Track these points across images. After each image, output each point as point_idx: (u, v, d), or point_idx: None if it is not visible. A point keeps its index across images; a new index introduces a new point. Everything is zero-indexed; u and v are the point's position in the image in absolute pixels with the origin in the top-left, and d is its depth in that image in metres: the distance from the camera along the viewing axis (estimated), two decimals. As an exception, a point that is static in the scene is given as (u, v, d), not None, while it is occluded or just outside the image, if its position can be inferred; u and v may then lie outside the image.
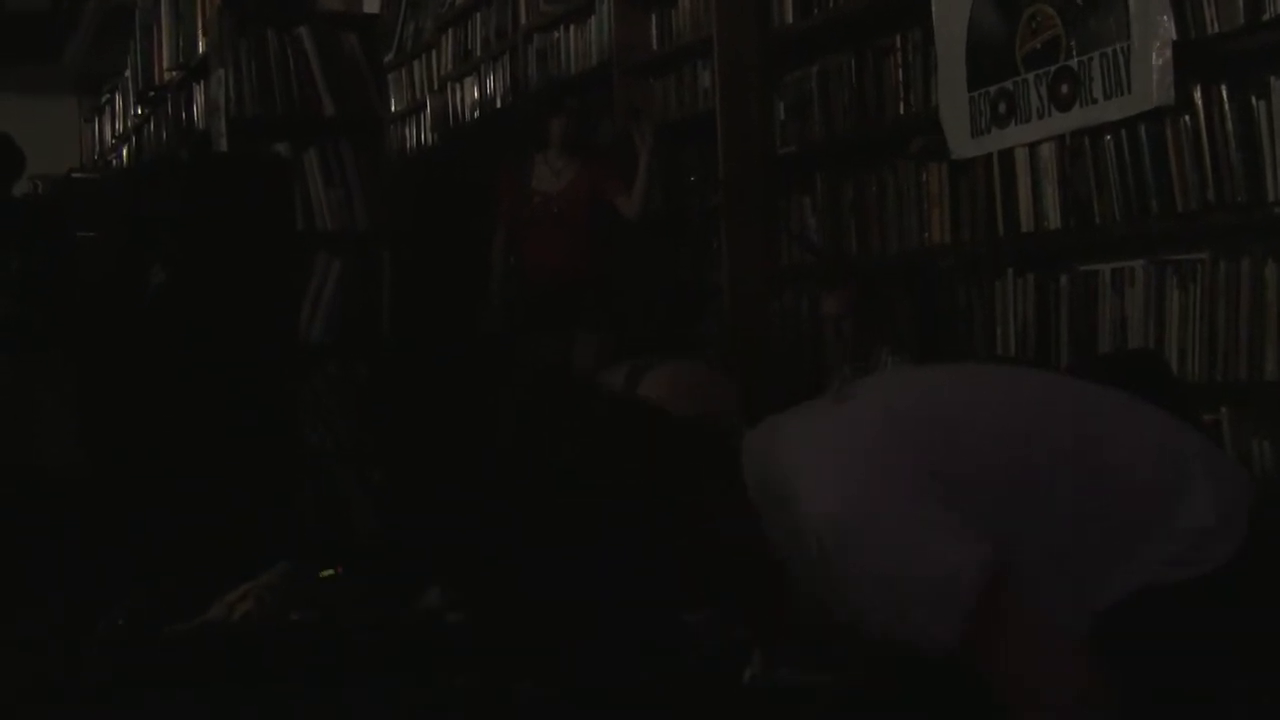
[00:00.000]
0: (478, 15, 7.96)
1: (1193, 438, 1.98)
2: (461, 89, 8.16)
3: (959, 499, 1.79)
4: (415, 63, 8.96)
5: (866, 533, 1.77)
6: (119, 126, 10.00)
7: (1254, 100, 3.74)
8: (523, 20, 7.37)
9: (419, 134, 8.81)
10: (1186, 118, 3.91)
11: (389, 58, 8.65)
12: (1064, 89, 4.29)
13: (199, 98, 6.46)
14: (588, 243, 5.84)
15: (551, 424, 1.90)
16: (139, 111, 8.61)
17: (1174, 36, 3.90)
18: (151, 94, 7.85)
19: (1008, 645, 1.78)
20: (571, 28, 6.87)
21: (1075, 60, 4.25)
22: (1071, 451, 1.90)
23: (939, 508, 1.78)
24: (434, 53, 8.65)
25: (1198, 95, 3.87)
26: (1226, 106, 3.80)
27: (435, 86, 8.58)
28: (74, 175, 9.24)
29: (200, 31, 6.45)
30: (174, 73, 7.07)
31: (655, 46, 6.44)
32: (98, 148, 11.10)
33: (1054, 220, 4.39)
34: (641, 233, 6.01)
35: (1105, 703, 1.75)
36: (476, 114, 7.94)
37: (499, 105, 7.64)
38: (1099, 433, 1.94)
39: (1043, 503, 1.85)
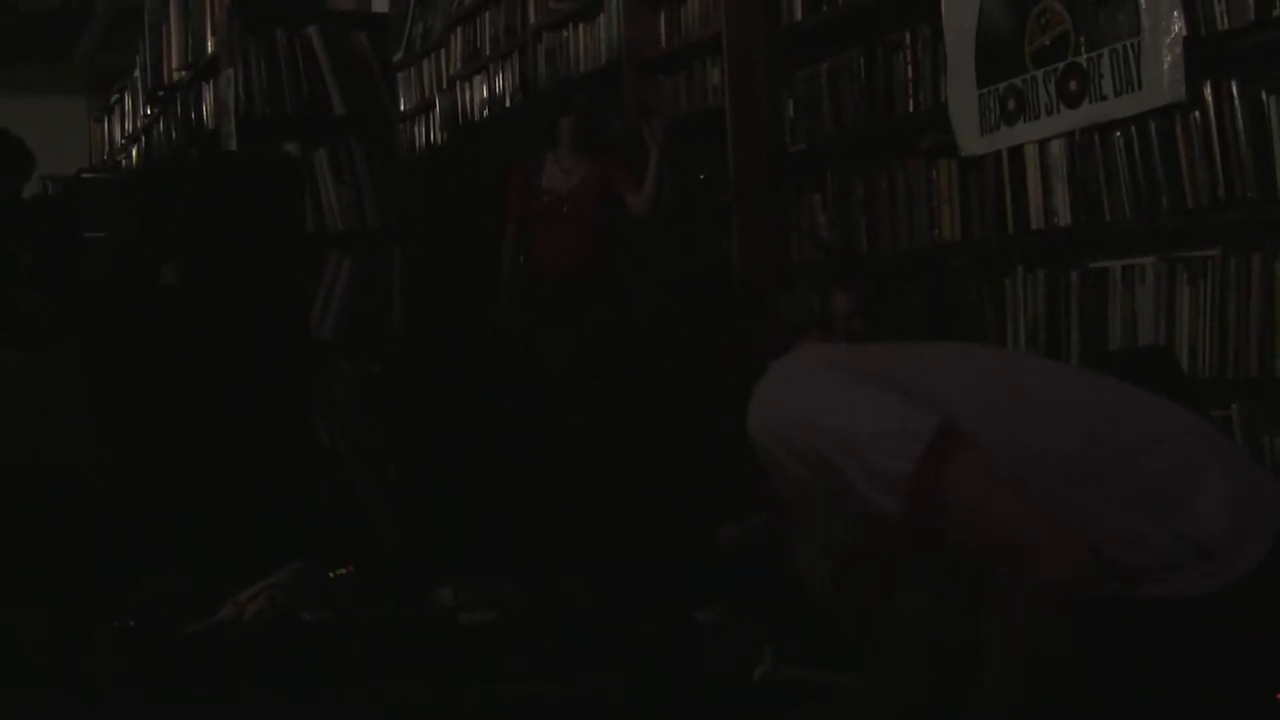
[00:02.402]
0: (486, 14, 7.96)
1: (1198, 446, 1.95)
2: (470, 88, 8.16)
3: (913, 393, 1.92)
4: (424, 61, 8.97)
5: (816, 409, 1.94)
6: (129, 126, 10.02)
7: (1264, 96, 3.73)
8: (532, 19, 7.37)
9: (428, 133, 8.81)
10: (1197, 114, 3.90)
11: (398, 57, 8.66)
12: (1073, 85, 4.28)
13: (208, 97, 6.46)
14: (598, 241, 5.83)
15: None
16: (148, 111, 8.62)
17: (1184, 32, 3.89)
18: (161, 94, 7.86)
19: (977, 496, 1.84)
20: (580, 26, 6.87)
21: (1084, 57, 4.24)
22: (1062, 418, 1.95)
23: (877, 388, 1.93)
24: (443, 51, 8.66)
25: (1208, 91, 3.87)
26: (1237, 102, 3.79)
27: (444, 85, 8.58)
28: (83, 176, 9.24)
29: (209, 31, 6.46)
30: (183, 72, 7.08)
31: (664, 44, 6.43)
32: (107, 148, 11.11)
33: (1064, 217, 4.38)
34: (651, 230, 6.01)
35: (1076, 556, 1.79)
36: (485, 112, 7.94)
37: (508, 104, 7.64)
38: (1104, 415, 1.97)
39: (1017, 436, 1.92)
